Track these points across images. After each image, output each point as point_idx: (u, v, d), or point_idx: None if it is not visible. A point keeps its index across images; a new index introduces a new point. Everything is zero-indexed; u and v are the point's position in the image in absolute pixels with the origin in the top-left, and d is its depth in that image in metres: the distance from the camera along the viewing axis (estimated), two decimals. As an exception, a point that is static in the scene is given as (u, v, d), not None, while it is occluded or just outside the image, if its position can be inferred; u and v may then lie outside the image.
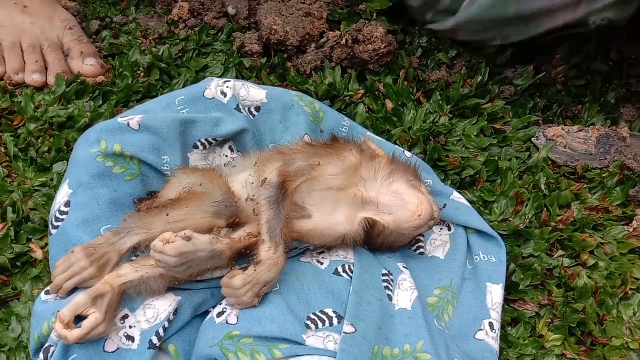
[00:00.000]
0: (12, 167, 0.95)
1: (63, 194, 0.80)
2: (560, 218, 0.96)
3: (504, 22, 1.08)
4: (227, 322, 0.72)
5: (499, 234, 0.91)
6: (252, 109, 0.92)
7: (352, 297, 0.74)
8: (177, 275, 0.70)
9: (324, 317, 0.73)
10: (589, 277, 0.89)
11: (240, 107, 0.90)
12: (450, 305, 0.83)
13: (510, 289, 0.88)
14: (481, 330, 0.81)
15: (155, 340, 0.70)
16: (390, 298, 0.78)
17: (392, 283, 0.80)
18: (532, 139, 1.08)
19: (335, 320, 0.73)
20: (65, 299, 0.72)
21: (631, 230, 0.95)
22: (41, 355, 0.69)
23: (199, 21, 1.21)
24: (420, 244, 0.90)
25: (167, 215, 0.73)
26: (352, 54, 1.11)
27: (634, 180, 1.01)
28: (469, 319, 0.82)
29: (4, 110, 1.01)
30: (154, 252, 0.67)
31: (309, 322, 0.72)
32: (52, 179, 0.92)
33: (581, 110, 1.18)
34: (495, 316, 0.82)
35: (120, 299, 0.71)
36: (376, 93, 1.11)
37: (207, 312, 0.77)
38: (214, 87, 0.90)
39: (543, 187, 1.00)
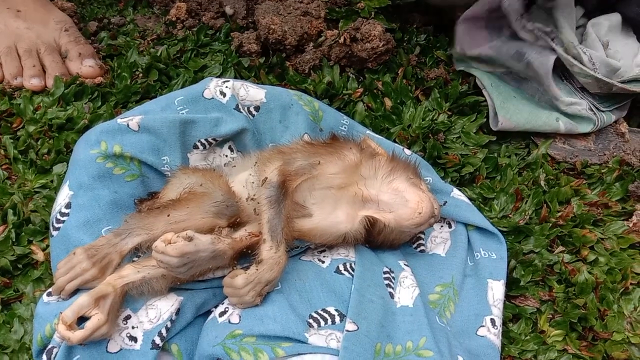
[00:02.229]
0: (12, 169, 0.95)
1: (63, 196, 0.80)
2: (560, 214, 0.96)
3: None
4: (229, 321, 0.72)
5: (499, 230, 0.91)
6: (252, 109, 0.92)
7: (353, 295, 0.74)
8: (179, 275, 0.70)
9: (326, 316, 0.73)
10: (590, 273, 0.89)
11: (240, 106, 0.90)
12: (452, 302, 0.83)
13: (511, 285, 0.89)
14: (483, 326, 0.81)
15: (157, 341, 0.70)
16: (391, 295, 0.78)
17: (393, 280, 0.80)
18: (531, 135, 1.08)
19: (337, 319, 0.73)
20: (67, 300, 0.72)
21: (631, 225, 0.95)
22: (44, 357, 0.69)
23: (197, 21, 1.20)
24: (421, 242, 0.90)
25: (168, 215, 0.73)
26: (350, 52, 1.11)
27: (633, 176, 1.01)
28: (470, 316, 0.82)
29: (3, 112, 1.01)
30: (156, 252, 0.67)
31: (311, 321, 0.72)
32: (52, 181, 0.92)
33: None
34: (497, 312, 0.82)
35: (122, 299, 0.71)
36: (375, 91, 1.11)
37: (209, 312, 0.77)
38: (213, 87, 0.90)
39: (542, 183, 1.00)
